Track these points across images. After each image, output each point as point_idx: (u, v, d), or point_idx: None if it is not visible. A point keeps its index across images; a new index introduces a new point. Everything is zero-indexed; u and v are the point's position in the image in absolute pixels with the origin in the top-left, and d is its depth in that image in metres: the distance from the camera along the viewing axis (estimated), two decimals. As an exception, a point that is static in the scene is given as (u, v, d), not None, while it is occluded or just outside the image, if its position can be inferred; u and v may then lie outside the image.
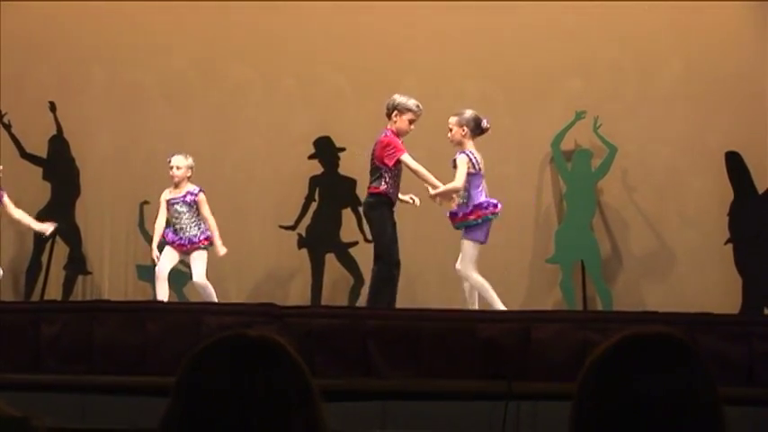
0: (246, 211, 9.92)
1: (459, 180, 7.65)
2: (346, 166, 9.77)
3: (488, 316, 6.88)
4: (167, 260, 8.45)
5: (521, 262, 9.71)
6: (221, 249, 8.44)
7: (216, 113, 9.97)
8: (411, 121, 7.72)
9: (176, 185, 8.50)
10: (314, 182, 9.86)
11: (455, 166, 7.69)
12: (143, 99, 10.08)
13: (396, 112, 7.69)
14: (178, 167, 8.44)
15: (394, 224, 7.71)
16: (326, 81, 10.00)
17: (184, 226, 8.46)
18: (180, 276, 9.68)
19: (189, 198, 8.47)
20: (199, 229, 8.49)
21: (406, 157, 7.62)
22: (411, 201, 7.94)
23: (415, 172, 7.68)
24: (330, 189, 9.83)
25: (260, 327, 6.33)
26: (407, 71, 9.81)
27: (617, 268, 9.69)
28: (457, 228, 7.80)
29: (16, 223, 8.91)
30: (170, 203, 8.48)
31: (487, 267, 9.46)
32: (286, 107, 9.82)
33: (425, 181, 7.70)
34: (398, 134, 7.70)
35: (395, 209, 7.79)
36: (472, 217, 7.68)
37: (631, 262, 9.69)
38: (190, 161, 8.52)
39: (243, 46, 10.01)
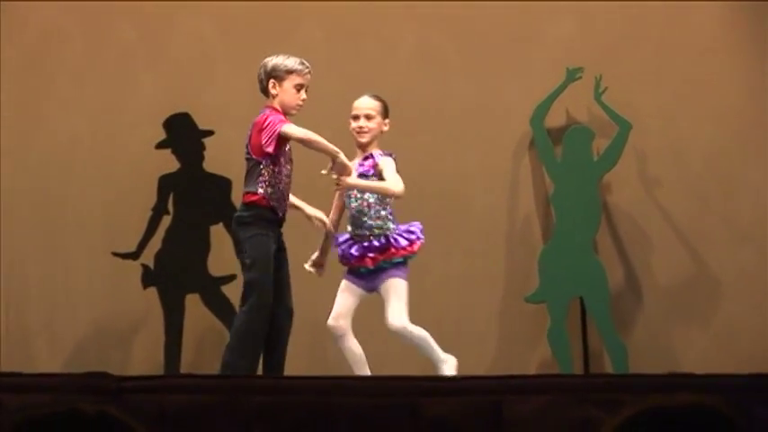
0: (61, 229, 9.91)
1: (399, 184, 7.99)
2: (217, 160, 9.74)
3: (439, 386, 6.86)
4: None
5: (487, 301, 9.75)
6: None
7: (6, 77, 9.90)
8: (299, 87, 7.99)
9: None
10: (165, 183, 9.89)
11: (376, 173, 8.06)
12: None
13: (272, 81, 7.98)
14: None
15: (273, 249, 7.83)
16: (182, 27, 9.98)
17: None
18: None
19: None
20: None
21: (288, 128, 7.81)
22: (320, 223, 8.15)
23: (306, 143, 7.84)
24: (191, 195, 9.89)
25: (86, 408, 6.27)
26: (306, 16, 9.81)
27: (634, 308, 9.76)
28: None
29: None
30: None
31: (438, 310, 9.51)
32: (121, 68, 9.76)
33: (323, 150, 7.84)
34: (284, 110, 7.97)
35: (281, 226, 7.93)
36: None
37: (656, 298, 9.76)
38: None
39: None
